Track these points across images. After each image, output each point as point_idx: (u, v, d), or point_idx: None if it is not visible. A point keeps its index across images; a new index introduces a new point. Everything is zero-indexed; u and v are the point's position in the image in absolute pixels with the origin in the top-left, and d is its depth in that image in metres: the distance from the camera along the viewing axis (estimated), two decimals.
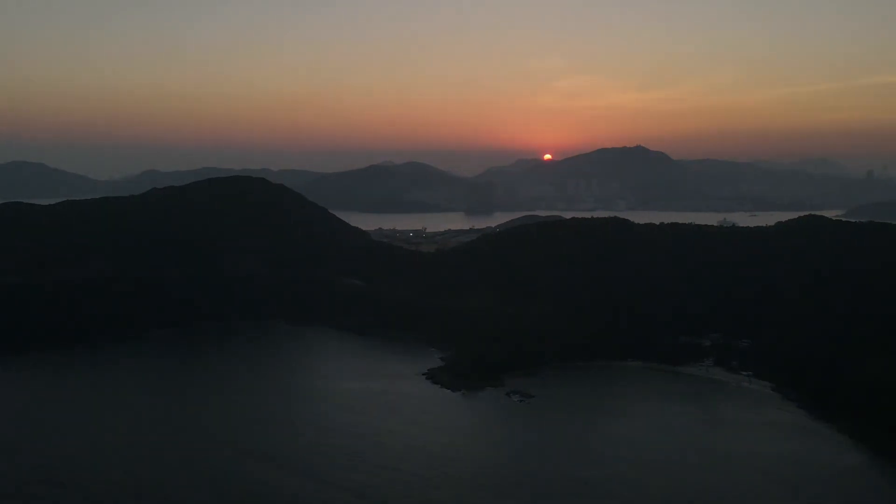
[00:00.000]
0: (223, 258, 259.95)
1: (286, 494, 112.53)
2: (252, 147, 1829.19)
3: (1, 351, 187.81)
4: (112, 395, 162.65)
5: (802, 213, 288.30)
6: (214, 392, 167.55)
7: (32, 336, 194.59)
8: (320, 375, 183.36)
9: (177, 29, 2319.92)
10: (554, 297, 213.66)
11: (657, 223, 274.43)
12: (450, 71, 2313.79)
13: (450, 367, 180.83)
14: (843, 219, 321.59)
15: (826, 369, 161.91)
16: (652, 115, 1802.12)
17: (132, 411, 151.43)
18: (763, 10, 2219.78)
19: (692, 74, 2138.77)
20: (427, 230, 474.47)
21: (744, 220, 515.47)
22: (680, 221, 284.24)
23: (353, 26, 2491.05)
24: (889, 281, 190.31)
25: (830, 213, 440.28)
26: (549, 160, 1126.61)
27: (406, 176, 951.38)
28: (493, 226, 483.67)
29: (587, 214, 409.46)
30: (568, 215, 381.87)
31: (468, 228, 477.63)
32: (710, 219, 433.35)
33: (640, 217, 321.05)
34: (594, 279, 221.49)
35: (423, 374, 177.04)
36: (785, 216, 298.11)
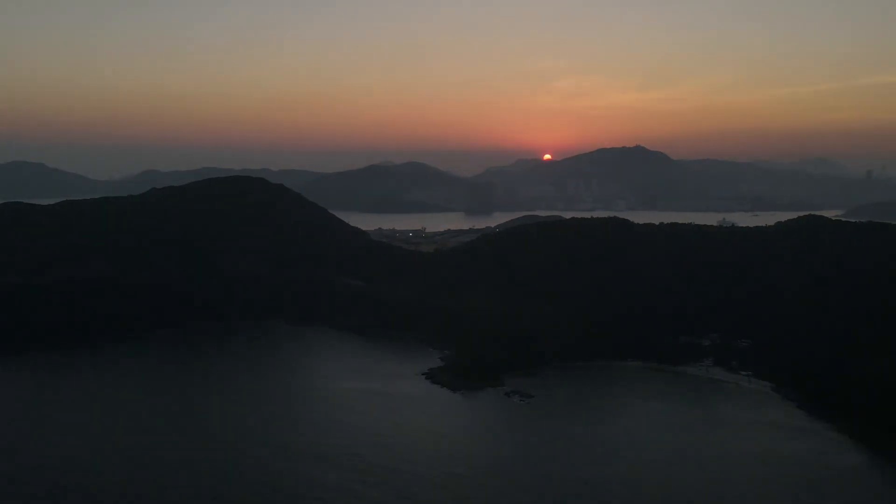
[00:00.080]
0: (223, 258, 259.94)
1: (286, 494, 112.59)
2: (251, 147, 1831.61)
3: (1, 351, 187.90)
4: (112, 396, 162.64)
5: (802, 213, 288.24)
6: (214, 392, 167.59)
7: (32, 336, 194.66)
8: (320, 375, 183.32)
9: (176, 29, 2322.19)
10: (554, 297, 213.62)
11: (657, 223, 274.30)
12: (450, 71, 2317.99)
13: (449, 367, 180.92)
14: (843, 219, 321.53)
15: (826, 369, 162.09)
16: (652, 115, 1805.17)
17: (132, 411, 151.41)
18: (763, 10, 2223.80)
19: (692, 74, 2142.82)
20: (427, 230, 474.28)
21: (743, 220, 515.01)
22: (679, 221, 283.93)
23: (353, 26, 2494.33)
24: (889, 281, 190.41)
25: (830, 213, 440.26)
26: (548, 160, 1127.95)
27: (406, 176, 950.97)
28: (492, 226, 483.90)
29: (587, 214, 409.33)
30: (568, 215, 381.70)
31: (468, 228, 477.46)
32: (709, 219, 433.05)
33: (639, 217, 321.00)
34: (594, 279, 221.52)
35: (423, 374, 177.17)
36: (784, 216, 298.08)
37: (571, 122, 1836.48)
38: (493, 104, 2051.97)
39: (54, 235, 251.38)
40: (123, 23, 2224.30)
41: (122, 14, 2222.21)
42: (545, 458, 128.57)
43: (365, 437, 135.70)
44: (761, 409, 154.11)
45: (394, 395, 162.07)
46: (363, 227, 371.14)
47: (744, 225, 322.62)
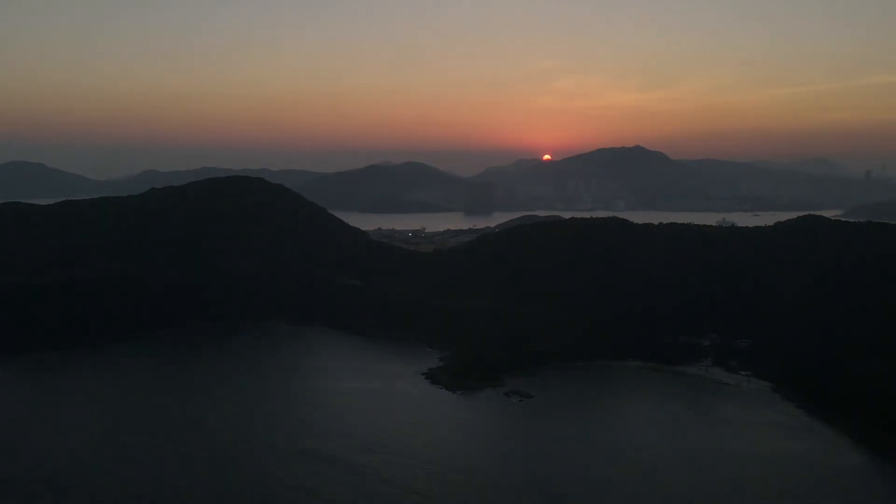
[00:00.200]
0: (223, 258, 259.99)
1: (285, 494, 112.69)
2: (251, 147, 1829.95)
3: (1, 351, 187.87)
4: (112, 396, 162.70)
5: (801, 213, 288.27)
6: (214, 392, 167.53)
7: (32, 336, 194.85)
8: (320, 375, 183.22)
9: (176, 29, 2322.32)
10: (554, 297, 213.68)
11: (656, 223, 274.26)
12: (449, 71, 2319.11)
13: (449, 367, 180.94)
14: (842, 219, 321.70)
15: (826, 369, 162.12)
16: (652, 115, 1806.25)
17: (132, 411, 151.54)
18: (763, 10, 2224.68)
19: (692, 74, 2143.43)
20: (426, 230, 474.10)
21: (743, 220, 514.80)
22: (679, 221, 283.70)
23: (352, 26, 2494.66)
24: (888, 281, 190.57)
25: (829, 213, 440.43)
26: (548, 160, 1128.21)
27: (405, 176, 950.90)
28: (492, 226, 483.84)
29: (586, 214, 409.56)
30: (567, 215, 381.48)
31: (467, 228, 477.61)
32: (709, 219, 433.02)
33: (639, 217, 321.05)
34: (594, 279, 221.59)
35: (423, 374, 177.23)
36: (784, 216, 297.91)
37: (571, 122, 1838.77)
38: (493, 104, 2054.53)
39: (54, 235, 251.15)
40: (123, 23, 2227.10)
41: (122, 14, 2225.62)
42: (545, 458, 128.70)
43: (365, 437, 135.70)
44: (761, 409, 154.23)
45: (393, 395, 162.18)
46: (363, 227, 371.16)
47: (743, 225, 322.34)
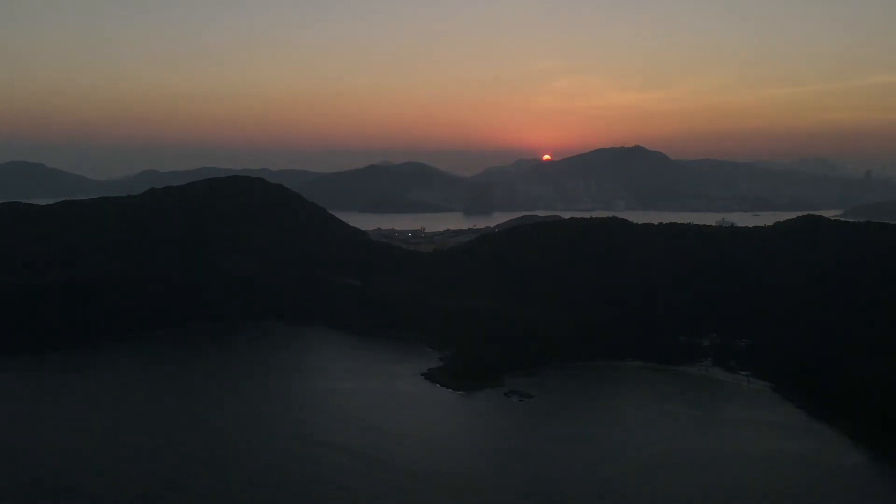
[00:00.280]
0: (223, 258, 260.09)
1: (285, 494, 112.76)
2: (251, 147, 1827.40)
3: (1, 351, 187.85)
4: (112, 396, 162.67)
5: (801, 213, 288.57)
6: (214, 392, 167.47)
7: (32, 336, 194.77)
8: (319, 375, 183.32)
9: (175, 29, 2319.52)
10: (553, 297, 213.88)
11: (656, 223, 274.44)
12: (449, 71, 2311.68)
13: (449, 367, 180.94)
14: (842, 219, 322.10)
15: (825, 369, 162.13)
16: (651, 115, 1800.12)
17: (132, 411, 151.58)
18: (763, 11, 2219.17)
19: (692, 74, 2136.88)
20: (426, 230, 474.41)
21: (743, 220, 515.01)
22: (679, 221, 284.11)
23: (352, 26, 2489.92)
24: (888, 281, 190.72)
25: (829, 213, 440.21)
26: (548, 160, 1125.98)
27: (405, 176, 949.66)
28: (492, 226, 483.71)
29: (586, 214, 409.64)
30: (567, 215, 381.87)
31: (467, 228, 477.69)
32: (708, 219, 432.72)
33: (638, 217, 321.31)
34: (593, 279, 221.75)
35: (423, 374, 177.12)
36: (784, 216, 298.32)
37: (571, 122, 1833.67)
38: (493, 104, 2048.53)
39: (54, 235, 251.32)
40: (123, 23, 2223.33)
41: (122, 14, 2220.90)
42: (544, 457, 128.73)
43: (365, 437, 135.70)
44: (761, 409, 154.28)
45: (393, 395, 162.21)
46: (362, 227, 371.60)
47: (743, 225, 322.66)
